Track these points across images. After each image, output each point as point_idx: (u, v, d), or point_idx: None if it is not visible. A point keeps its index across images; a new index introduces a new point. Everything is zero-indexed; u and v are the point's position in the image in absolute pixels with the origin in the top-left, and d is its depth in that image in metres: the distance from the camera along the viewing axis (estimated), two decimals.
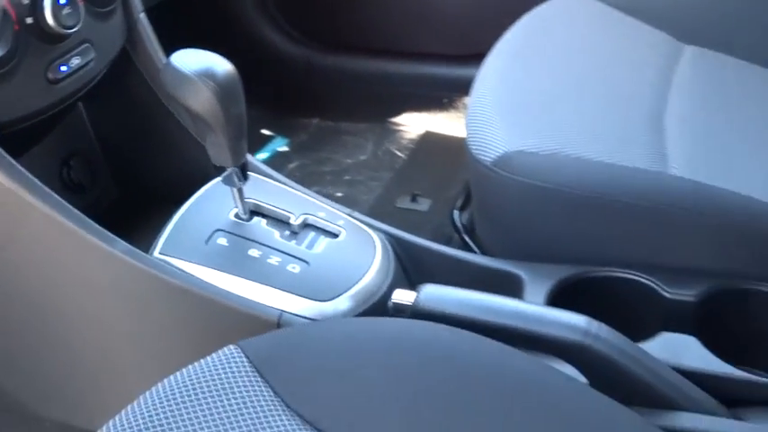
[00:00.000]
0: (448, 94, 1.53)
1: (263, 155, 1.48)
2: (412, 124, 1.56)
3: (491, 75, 0.93)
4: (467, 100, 1.46)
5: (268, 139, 1.51)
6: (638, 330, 0.66)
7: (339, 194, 1.36)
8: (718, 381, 0.62)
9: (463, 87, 1.32)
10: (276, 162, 1.47)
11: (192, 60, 0.64)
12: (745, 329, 0.72)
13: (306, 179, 1.43)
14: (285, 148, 1.50)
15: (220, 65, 0.65)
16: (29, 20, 0.65)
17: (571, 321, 0.58)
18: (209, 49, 0.71)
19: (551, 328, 0.58)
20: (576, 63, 0.94)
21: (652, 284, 0.73)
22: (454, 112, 1.53)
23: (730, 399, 0.62)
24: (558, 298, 0.72)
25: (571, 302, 0.71)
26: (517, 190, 0.76)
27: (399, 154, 1.48)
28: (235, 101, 0.65)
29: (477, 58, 1.06)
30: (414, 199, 1.31)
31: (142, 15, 0.82)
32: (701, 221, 0.71)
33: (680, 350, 0.65)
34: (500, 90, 0.89)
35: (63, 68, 0.70)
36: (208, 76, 0.63)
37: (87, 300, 0.72)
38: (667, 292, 0.71)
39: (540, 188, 0.74)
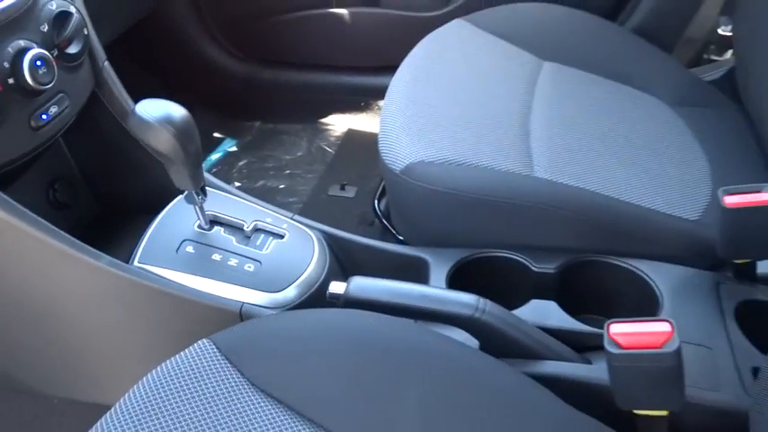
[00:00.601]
0: (365, 99, 1.51)
1: (216, 155, 1.43)
2: (338, 124, 1.53)
3: (396, 93, 0.90)
4: (381, 103, 1.46)
5: (219, 141, 1.47)
6: (515, 299, 0.68)
7: (281, 186, 1.33)
8: (572, 334, 0.65)
9: (378, 93, 1.32)
10: (227, 160, 1.43)
11: (154, 109, 0.62)
12: (591, 291, 0.74)
13: (252, 174, 1.40)
14: (234, 148, 1.46)
15: (177, 111, 0.63)
16: (10, 80, 0.63)
17: (464, 300, 0.60)
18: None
19: (449, 306, 0.60)
20: (461, 82, 0.90)
21: (524, 261, 0.73)
22: (371, 113, 1.51)
23: (582, 347, 0.64)
24: (457, 275, 0.73)
25: (466, 278, 0.74)
26: (420, 193, 0.75)
27: (329, 150, 1.45)
28: (191, 140, 0.63)
29: (387, 69, 1.06)
30: (342, 188, 1.30)
31: (106, 64, 0.78)
32: (560, 214, 0.72)
33: (545, 313, 0.67)
34: (404, 108, 0.85)
35: (43, 117, 0.68)
36: (168, 121, 0.61)
37: (80, 305, 0.70)
38: (535, 266, 0.73)
39: (438, 192, 0.74)
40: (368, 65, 1.45)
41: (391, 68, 0.98)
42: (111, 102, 0.79)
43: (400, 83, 0.92)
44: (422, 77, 0.92)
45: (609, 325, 0.49)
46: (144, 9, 1.27)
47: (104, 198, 0.89)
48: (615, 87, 0.94)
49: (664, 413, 0.52)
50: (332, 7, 1.40)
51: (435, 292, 0.63)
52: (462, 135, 0.79)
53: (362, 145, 1.45)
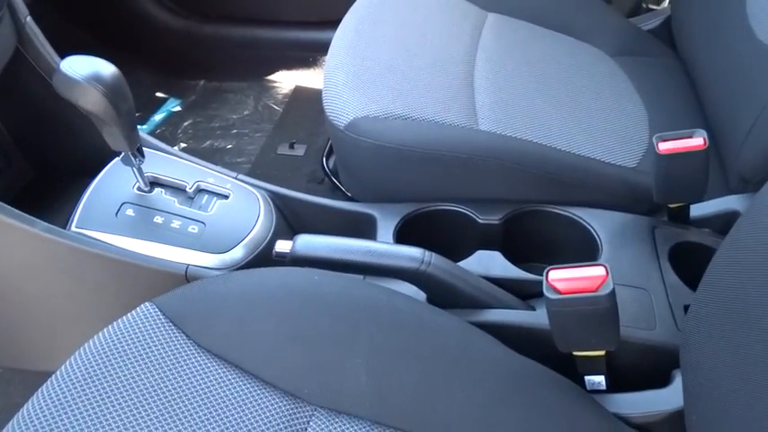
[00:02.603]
0: (311, 54, 1.47)
1: (159, 115, 1.38)
2: (284, 81, 1.48)
3: (339, 48, 0.87)
4: (320, 57, 1.44)
5: (162, 101, 1.40)
6: (460, 250, 0.69)
7: (229, 146, 1.29)
8: (516, 283, 0.66)
9: (324, 48, 1.28)
10: (171, 121, 1.37)
11: (80, 66, 0.58)
12: (535, 240, 0.75)
13: (198, 135, 1.35)
14: (178, 108, 1.40)
15: (106, 69, 0.59)
16: None
17: (410, 254, 0.60)
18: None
19: (396, 260, 0.60)
20: (405, 36, 0.88)
21: (469, 213, 0.74)
22: (318, 69, 1.47)
23: (526, 295, 0.66)
24: (404, 229, 0.73)
25: (413, 232, 0.74)
26: (365, 149, 0.74)
27: (276, 108, 1.41)
28: (123, 98, 0.60)
29: (332, 24, 0.99)
30: (291, 146, 1.26)
31: (29, 19, 0.72)
32: (504, 165, 0.72)
33: (490, 263, 0.68)
34: (347, 63, 0.83)
35: None
36: (96, 79, 0.58)
37: (17, 274, 0.67)
38: (480, 218, 0.73)
39: (384, 147, 0.73)
40: (313, 19, 1.41)
41: (338, 22, 0.94)
42: (37, 59, 0.75)
43: (343, 37, 0.89)
44: (365, 31, 0.89)
45: (548, 272, 0.50)
46: None
47: (38, 162, 0.85)
48: (557, 38, 0.95)
49: (601, 353, 0.54)
50: None
51: (381, 247, 0.62)
52: (406, 89, 0.78)
53: (311, 102, 1.39)
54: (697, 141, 0.64)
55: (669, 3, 1.16)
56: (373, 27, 0.90)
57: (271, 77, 1.49)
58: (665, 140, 0.65)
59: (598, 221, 0.71)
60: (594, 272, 0.49)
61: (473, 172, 0.73)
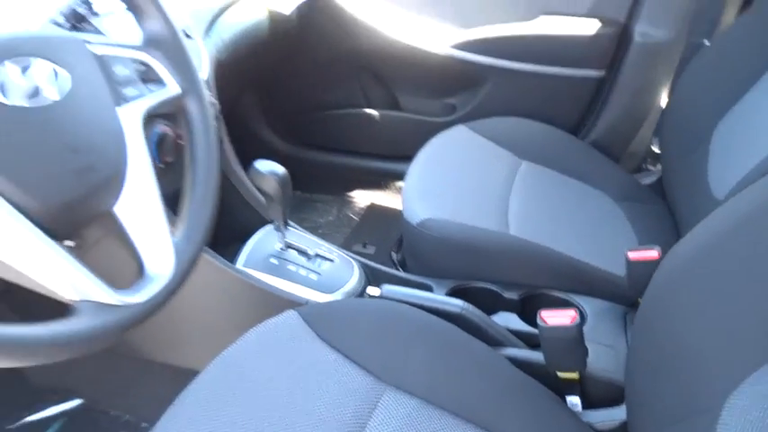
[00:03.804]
0: (384, 180, 1.79)
1: None
2: (362, 198, 1.81)
3: (415, 172, 1.17)
4: (398, 183, 1.79)
5: None
6: (488, 311, 0.95)
7: (318, 239, 1.63)
8: (525, 335, 0.93)
9: (394, 176, 1.63)
10: None
11: (266, 166, 0.92)
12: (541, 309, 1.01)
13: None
14: None
15: (279, 168, 0.92)
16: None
17: (455, 302, 0.90)
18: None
19: (446, 306, 0.89)
20: (463, 167, 1.17)
21: (496, 290, 1.02)
22: (388, 191, 1.80)
23: (531, 344, 0.92)
24: (450, 295, 1.00)
25: (457, 297, 1.00)
26: (429, 240, 1.03)
27: (354, 217, 1.74)
28: (286, 187, 0.92)
29: (404, 158, 1.34)
30: (364, 246, 1.57)
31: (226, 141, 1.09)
32: (525, 261, 1.00)
33: (508, 320, 0.96)
34: (419, 184, 1.14)
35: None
36: (274, 174, 0.91)
37: (193, 291, 0.86)
38: (504, 294, 1.01)
39: (443, 240, 1.02)
40: (388, 153, 1.74)
41: (407, 158, 1.27)
42: (223, 161, 1.11)
43: (418, 165, 1.22)
44: (434, 163, 1.23)
45: (541, 312, 0.80)
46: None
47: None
48: (573, 183, 1.22)
49: (575, 376, 0.82)
50: (364, 108, 1.74)
51: (437, 296, 0.94)
52: (462, 203, 1.09)
53: (381, 216, 1.74)
54: (653, 254, 0.94)
55: (661, 165, 1.44)
56: (440, 160, 1.23)
57: (351, 194, 1.83)
58: (633, 251, 0.94)
59: (589, 305, 1.01)
60: (569, 313, 0.79)
61: (503, 262, 1.02)
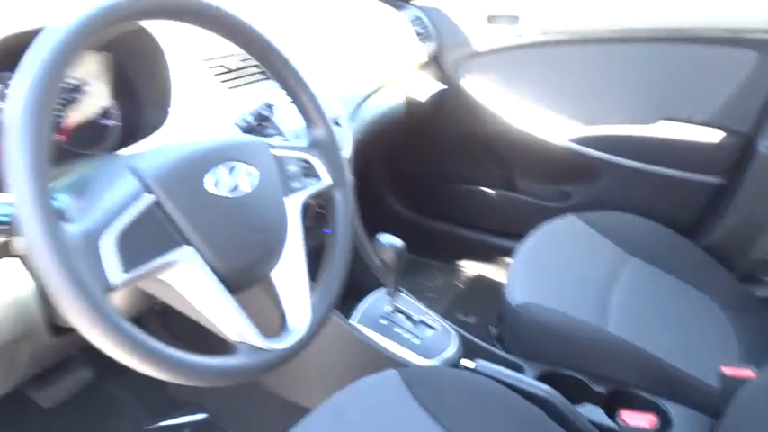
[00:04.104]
0: (493, 254, 1.87)
1: None
2: (470, 268, 1.91)
3: (522, 256, 1.24)
4: (506, 259, 1.86)
5: None
6: (573, 401, 1.00)
7: (424, 307, 1.75)
8: (608, 429, 0.97)
9: (503, 251, 1.72)
10: None
11: (387, 239, 1.05)
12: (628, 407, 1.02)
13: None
14: None
15: (398, 242, 1.05)
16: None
17: (542, 387, 0.97)
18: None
19: (536, 389, 0.97)
20: (568, 256, 1.23)
21: (586, 381, 1.04)
22: (495, 265, 1.88)
23: None
24: (538, 378, 1.07)
25: (545, 380, 1.04)
26: (526, 323, 1.11)
27: (460, 285, 1.84)
28: (401, 259, 1.05)
29: (514, 235, 1.43)
30: (466, 315, 1.66)
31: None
32: (620, 358, 1.03)
33: (592, 412, 1.00)
34: (525, 267, 1.21)
35: None
36: (393, 246, 1.04)
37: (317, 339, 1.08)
38: (593, 386, 1.04)
39: (539, 324, 1.09)
40: (500, 230, 1.84)
41: (517, 236, 1.34)
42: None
43: (526, 248, 1.30)
44: (541, 247, 1.30)
45: (623, 411, 0.85)
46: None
47: None
48: (680, 285, 1.22)
49: None
50: (482, 185, 1.87)
51: (526, 378, 1.01)
52: (563, 290, 1.15)
53: (485, 288, 1.83)
54: (748, 372, 0.96)
55: None
56: (547, 246, 1.30)
57: (460, 263, 1.94)
58: (728, 366, 0.97)
59: (676, 410, 1.01)
60: (650, 417, 0.84)
61: (595, 356, 1.06)
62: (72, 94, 0.89)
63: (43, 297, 0.75)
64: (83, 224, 0.55)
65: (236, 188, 0.67)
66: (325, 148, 0.81)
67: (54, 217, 0.52)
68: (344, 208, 0.82)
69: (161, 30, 0.87)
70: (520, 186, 1.81)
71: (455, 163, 1.88)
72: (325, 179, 0.81)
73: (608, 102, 1.60)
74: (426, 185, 1.93)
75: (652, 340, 1.05)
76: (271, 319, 0.76)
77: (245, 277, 0.68)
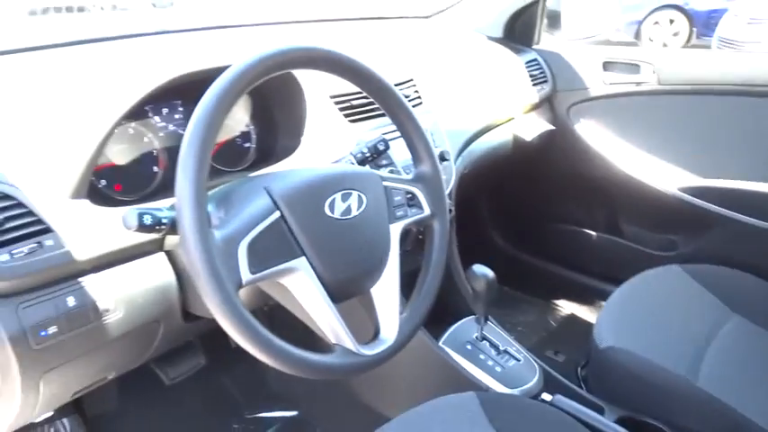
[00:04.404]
0: (590, 296, 1.88)
1: None
2: (564, 307, 1.92)
3: (617, 298, 1.25)
4: (602, 303, 1.84)
5: None
6: None
7: (513, 337, 1.79)
8: None
9: (597, 293, 1.72)
10: None
11: (480, 269, 1.12)
12: None
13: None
14: None
15: (490, 273, 1.11)
16: None
17: (619, 430, 1.00)
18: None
19: (609, 431, 1.01)
20: (665, 304, 1.21)
21: (662, 428, 1.03)
22: (588, 306, 1.88)
23: None
24: (618, 422, 1.07)
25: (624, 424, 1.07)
26: (611, 366, 1.12)
27: (552, 323, 1.85)
28: (492, 289, 1.11)
29: (611, 279, 1.47)
30: (555, 353, 1.67)
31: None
32: (705, 416, 1.00)
33: None
34: (619, 308, 1.22)
35: None
36: (485, 276, 1.11)
37: (406, 355, 1.09)
38: None
39: (624, 368, 1.10)
40: (598, 272, 1.85)
41: (616, 280, 1.33)
42: (450, 254, 1.36)
43: (623, 292, 1.29)
44: (639, 293, 1.29)
45: None
46: None
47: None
48: None
49: None
50: (585, 227, 1.89)
51: (604, 420, 1.04)
52: (655, 339, 1.13)
53: (578, 328, 1.83)
54: None
55: None
56: (645, 293, 1.29)
57: (555, 301, 1.95)
58: None
59: None
60: None
61: (681, 409, 1.04)
62: None
63: (181, 287, 0.90)
64: (225, 231, 0.68)
65: (347, 212, 0.78)
66: (429, 181, 0.90)
67: (206, 224, 0.65)
68: (441, 237, 0.91)
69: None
70: (624, 231, 1.81)
71: (559, 202, 1.91)
72: (426, 209, 0.90)
73: (723, 154, 1.58)
74: (528, 222, 1.98)
75: (744, 401, 1.01)
76: (365, 328, 0.86)
77: (347, 289, 0.79)
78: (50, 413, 1.02)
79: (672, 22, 6.29)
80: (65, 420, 1.24)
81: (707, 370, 1.09)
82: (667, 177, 1.66)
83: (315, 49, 0.76)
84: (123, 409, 1.40)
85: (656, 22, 6.28)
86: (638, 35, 6.22)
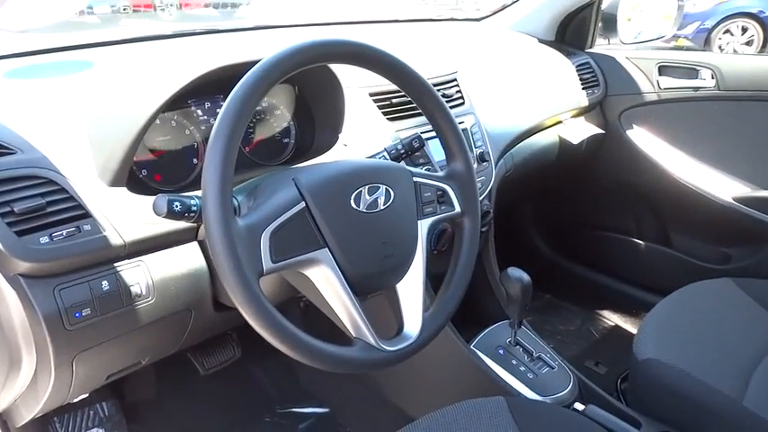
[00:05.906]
0: (636, 307, 1.82)
1: None
2: (607, 318, 1.87)
3: (662, 310, 1.19)
4: (643, 313, 1.78)
5: None
6: None
7: (551, 346, 1.74)
8: None
9: (645, 306, 1.65)
10: None
11: (515, 272, 1.10)
12: None
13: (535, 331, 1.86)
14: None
15: (525, 277, 1.09)
16: None
17: None
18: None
19: None
20: (712, 319, 1.15)
21: None
22: (636, 319, 1.82)
23: None
24: None
25: None
26: (651, 379, 1.06)
27: (594, 333, 1.81)
28: (526, 294, 1.09)
29: (653, 290, 1.44)
30: (596, 364, 1.62)
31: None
32: None
33: None
34: (664, 320, 1.16)
35: None
36: (520, 280, 1.08)
37: (436, 355, 1.12)
38: None
39: (663, 383, 1.04)
40: (645, 283, 1.79)
41: (663, 291, 1.28)
42: (486, 257, 1.34)
43: (668, 304, 1.23)
44: (686, 306, 1.22)
45: None
46: None
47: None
48: None
49: None
50: (633, 236, 1.82)
51: None
52: (700, 354, 1.07)
53: (621, 339, 1.77)
54: None
55: None
56: (694, 306, 1.22)
57: (598, 311, 1.90)
58: None
59: None
60: None
61: (722, 426, 0.98)
62: (262, 115, 1.07)
63: (212, 276, 0.92)
64: (249, 219, 0.69)
65: (373, 205, 0.78)
66: (461, 179, 0.89)
67: (229, 212, 0.66)
68: (471, 236, 0.90)
69: (340, 67, 1.02)
70: (674, 241, 1.74)
71: (606, 209, 1.86)
72: (457, 207, 0.88)
73: None
74: (573, 228, 1.94)
75: None
76: (388, 324, 0.85)
77: (370, 283, 0.79)
78: (86, 395, 1.05)
79: (744, 30, 6.04)
80: (103, 404, 1.29)
81: (755, 389, 1.03)
82: (723, 187, 1.59)
83: (346, 43, 0.76)
84: (159, 396, 1.44)
85: (727, 30, 6.04)
86: (707, 43, 5.99)
